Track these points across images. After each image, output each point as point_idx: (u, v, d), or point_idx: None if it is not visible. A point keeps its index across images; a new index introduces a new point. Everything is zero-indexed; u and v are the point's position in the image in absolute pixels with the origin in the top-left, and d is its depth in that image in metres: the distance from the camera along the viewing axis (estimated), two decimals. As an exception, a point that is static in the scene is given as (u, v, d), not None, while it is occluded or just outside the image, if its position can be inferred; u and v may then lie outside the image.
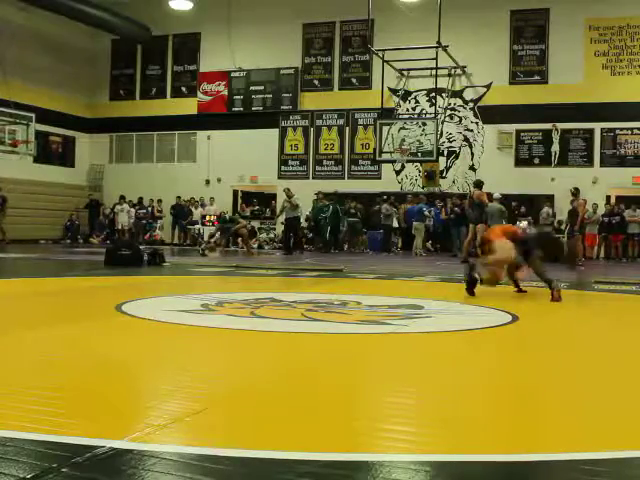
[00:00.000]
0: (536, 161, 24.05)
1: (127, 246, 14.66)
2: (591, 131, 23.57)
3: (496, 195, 20.42)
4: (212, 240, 19.33)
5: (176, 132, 28.31)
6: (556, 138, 23.88)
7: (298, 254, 20.51)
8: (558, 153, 23.80)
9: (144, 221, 26.99)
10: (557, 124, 23.77)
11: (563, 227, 21.48)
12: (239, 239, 19.44)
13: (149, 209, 27.34)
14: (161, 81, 28.83)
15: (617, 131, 23.28)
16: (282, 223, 24.51)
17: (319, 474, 2.43)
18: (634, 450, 2.77)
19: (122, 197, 27.05)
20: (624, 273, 14.89)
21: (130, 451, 2.58)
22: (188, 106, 27.93)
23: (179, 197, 26.75)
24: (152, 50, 28.36)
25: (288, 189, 22.05)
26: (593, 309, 8.93)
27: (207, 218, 25.49)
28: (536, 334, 6.28)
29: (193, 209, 26.55)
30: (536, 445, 2.83)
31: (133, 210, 26.90)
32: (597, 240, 22.60)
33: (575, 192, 19.48)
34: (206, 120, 27.52)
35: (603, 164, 23.29)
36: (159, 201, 27.31)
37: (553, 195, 23.29)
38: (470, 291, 9.04)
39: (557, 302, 8.56)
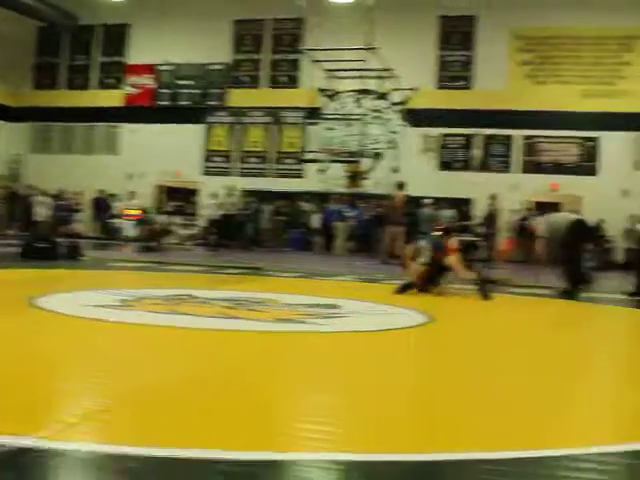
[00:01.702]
0: (458, 165, 24.44)
1: (45, 239, 14.38)
2: (512, 138, 24.07)
3: (427, 201, 20.80)
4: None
5: (100, 124, 27.82)
6: (479, 143, 24.33)
7: (222, 250, 20.39)
8: (480, 158, 24.25)
9: (64, 213, 26.46)
10: (480, 130, 24.21)
11: (480, 231, 21.97)
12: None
13: (69, 201, 26.81)
14: (87, 71, 28.29)
15: (537, 139, 23.84)
16: (207, 218, 24.36)
17: (234, 472, 2.45)
18: (535, 449, 2.87)
19: (41, 189, 26.51)
20: (537, 277, 15.24)
21: (39, 449, 2.54)
22: (114, 98, 27.49)
23: (101, 190, 26.29)
24: (79, 39, 27.80)
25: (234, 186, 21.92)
26: (506, 311, 9.15)
27: (128, 212, 25.12)
28: (449, 335, 6.41)
29: (114, 203, 26.15)
30: (444, 445, 2.90)
31: (50, 201, 26.38)
32: (513, 244, 23.09)
33: (494, 197, 19.98)
34: (131, 113, 27.12)
35: (522, 170, 23.81)
36: (80, 193, 26.81)
37: (474, 199, 23.71)
38: (401, 291, 9.69)
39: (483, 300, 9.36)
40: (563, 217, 11.90)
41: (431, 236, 10.34)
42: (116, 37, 27.82)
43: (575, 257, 10.86)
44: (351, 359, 4.94)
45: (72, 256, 13.56)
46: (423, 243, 10.09)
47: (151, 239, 19.16)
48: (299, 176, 25.67)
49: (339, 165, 24.77)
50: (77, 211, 26.45)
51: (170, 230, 20.92)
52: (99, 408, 3.12)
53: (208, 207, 23.60)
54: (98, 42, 28.09)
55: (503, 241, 22.26)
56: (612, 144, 23.10)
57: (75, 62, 28.36)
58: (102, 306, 6.75)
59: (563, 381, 4.52)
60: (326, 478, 2.51)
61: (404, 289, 9.73)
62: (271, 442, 2.85)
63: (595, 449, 2.91)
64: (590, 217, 22.35)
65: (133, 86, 27.30)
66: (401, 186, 18.14)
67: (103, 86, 27.99)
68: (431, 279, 9.89)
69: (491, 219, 19.92)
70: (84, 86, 28.22)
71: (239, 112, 26.44)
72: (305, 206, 23.47)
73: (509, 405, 3.67)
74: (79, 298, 7.58)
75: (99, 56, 28.14)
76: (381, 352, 5.34)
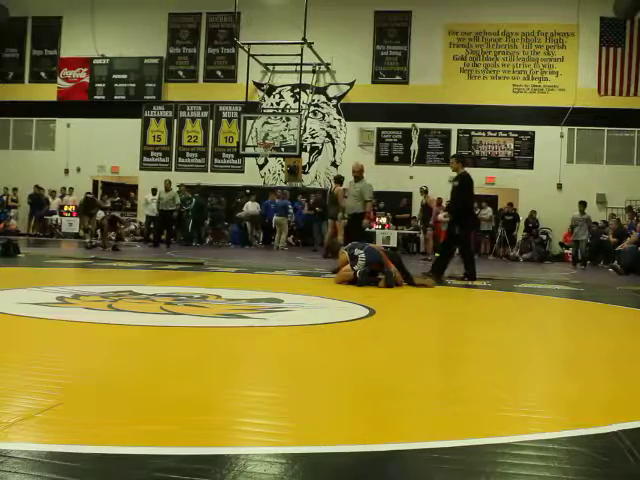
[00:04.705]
0: (396, 159, 24.67)
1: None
2: (448, 132, 24.40)
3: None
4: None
5: (34, 119, 27.35)
6: (415, 137, 24.58)
7: (163, 246, 20.22)
8: (417, 152, 24.50)
9: (-1, 210, 25.99)
10: (416, 124, 24.46)
11: (418, 224, 22.30)
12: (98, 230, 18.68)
13: (3, 198, 26.30)
14: (19, 65, 27.74)
15: (472, 133, 24.19)
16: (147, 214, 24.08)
17: (174, 469, 2.43)
18: (477, 438, 2.91)
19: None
20: (477, 269, 15.46)
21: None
22: (47, 92, 27.04)
23: (38, 187, 25.78)
24: (10, 32, 27.18)
25: (169, 181, 21.57)
26: (446, 304, 9.27)
27: (65, 208, 24.75)
28: (388, 328, 6.47)
29: (50, 199, 25.72)
30: (389, 435, 2.93)
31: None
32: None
33: (425, 190, 20.28)
34: (66, 107, 26.73)
35: (459, 164, 24.12)
36: (15, 189, 26.32)
37: (412, 192, 23.95)
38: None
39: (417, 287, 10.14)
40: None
41: (369, 248, 10.40)
42: (48, 30, 27.32)
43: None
44: (297, 352, 4.95)
45: (8, 253, 13.33)
46: (360, 253, 10.13)
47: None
48: (238, 171, 25.61)
49: (278, 160, 24.85)
50: (12, 207, 25.97)
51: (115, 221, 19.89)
52: (40, 407, 3.07)
53: (147, 202, 23.36)
54: (30, 35, 27.55)
55: (439, 234, 22.55)
56: (546, 138, 23.60)
57: (6, 55, 27.77)
58: (39, 304, 6.63)
59: (499, 370, 4.60)
60: (272, 471, 2.52)
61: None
62: (209, 437, 2.84)
63: (535, 437, 2.97)
64: (525, 209, 23.06)
65: (67, 80, 26.84)
66: (339, 180, 18.21)
67: (36, 80, 27.46)
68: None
69: (426, 212, 20.18)
70: (16, 80, 27.64)
71: (176, 106, 26.25)
72: (245, 201, 23.48)
73: (449, 394, 3.73)
74: (15, 296, 7.43)
75: (31, 49, 27.62)
76: (327, 345, 5.37)
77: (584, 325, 7.58)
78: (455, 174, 12.24)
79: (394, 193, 23.81)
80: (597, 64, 23.57)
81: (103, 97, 26.74)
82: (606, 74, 23.57)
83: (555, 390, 4.10)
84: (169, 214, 21.14)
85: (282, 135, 22.58)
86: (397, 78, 24.84)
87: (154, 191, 22.52)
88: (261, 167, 25.44)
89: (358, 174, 12.82)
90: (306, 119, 24.28)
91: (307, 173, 25.13)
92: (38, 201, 25.73)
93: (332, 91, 25.29)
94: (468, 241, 12.45)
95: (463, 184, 11.88)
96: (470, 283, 11.60)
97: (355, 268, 10.00)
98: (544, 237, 23.02)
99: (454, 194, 12.12)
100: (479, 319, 7.48)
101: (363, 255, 10.02)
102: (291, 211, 22.90)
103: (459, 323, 7.08)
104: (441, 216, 11.80)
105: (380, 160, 24.77)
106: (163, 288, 8.61)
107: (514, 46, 24.10)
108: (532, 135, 23.90)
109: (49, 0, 26.58)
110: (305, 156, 24.80)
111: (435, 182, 21.69)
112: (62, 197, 25.61)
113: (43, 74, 27.50)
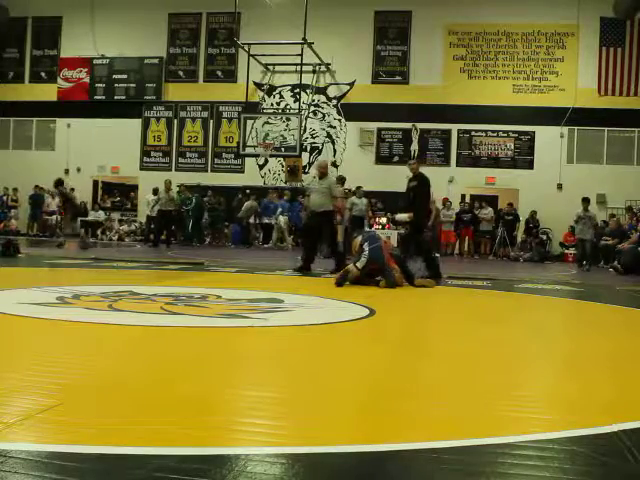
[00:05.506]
0: (396, 159, 24.64)
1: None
2: (448, 132, 24.38)
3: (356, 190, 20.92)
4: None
5: (34, 119, 27.33)
6: (415, 137, 24.57)
7: (163, 246, 20.21)
8: (417, 152, 24.48)
9: (-1, 210, 25.95)
10: (417, 124, 24.44)
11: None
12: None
13: (3, 198, 26.28)
14: (19, 65, 27.72)
15: (472, 133, 24.18)
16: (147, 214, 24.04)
17: (174, 469, 2.43)
18: (477, 438, 2.91)
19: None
20: (477, 269, 15.49)
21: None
22: (47, 92, 27.02)
23: (40, 187, 25.73)
24: (10, 32, 27.14)
25: (169, 181, 21.49)
26: (446, 304, 9.26)
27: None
28: (388, 328, 6.48)
29: (50, 199, 25.68)
30: (389, 435, 2.93)
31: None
32: (455, 237, 23.42)
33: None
34: (66, 107, 26.71)
35: (459, 164, 24.14)
36: (15, 189, 26.30)
37: (412, 193, 23.93)
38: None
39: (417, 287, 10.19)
40: None
41: (375, 247, 10.23)
42: (48, 30, 27.29)
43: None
44: (297, 352, 4.95)
45: (8, 253, 13.32)
46: (365, 251, 10.05)
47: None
48: (238, 171, 25.61)
49: (278, 160, 24.85)
50: (13, 207, 25.94)
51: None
52: (40, 407, 3.07)
53: (147, 203, 23.35)
54: (30, 35, 27.53)
55: (442, 233, 22.57)
56: (546, 138, 23.59)
57: (6, 55, 27.75)
58: (39, 304, 6.62)
59: (499, 370, 4.60)
60: (272, 471, 2.52)
61: (343, 279, 9.96)
62: (210, 437, 2.84)
63: (535, 437, 2.97)
64: (525, 209, 23.06)
65: (67, 80, 26.83)
66: (341, 180, 18.18)
67: (36, 80, 27.44)
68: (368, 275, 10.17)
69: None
70: (16, 80, 27.62)
71: (176, 106, 26.24)
72: (245, 200, 23.46)
73: (449, 394, 3.73)
74: (16, 296, 7.43)
75: (31, 49, 27.59)
76: (327, 345, 5.36)
77: (584, 325, 7.58)
78: (410, 176, 12.31)
79: (394, 193, 23.74)
80: (597, 64, 23.54)
81: (103, 97, 26.73)
82: (606, 74, 23.56)
83: (555, 390, 4.10)
84: (169, 214, 21.12)
85: (282, 135, 22.59)
86: (397, 78, 24.82)
87: (155, 191, 22.49)
88: (261, 167, 25.43)
89: (324, 171, 12.87)
90: (306, 119, 24.28)
91: (307, 173, 25.10)
92: (39, 201, 25.71)
93: (332, 91, 25.28)
94: (428, 242, 12.54)
95: (423, 183, 11.96)
96: (471, 283, 11.57)
97: (358, 265, 9.99)
98: (544, 237, 23.00)
99: (414, 194, 11.97)
100: (479, 319, 7.48)
101: (366, 253, 10.00)
102: (287, 209, 23.09)
103: (459, 323, 7.08)
104: (404, 216, 11.73)
105: (380, 160, 24.76)
106: (163, 288, 8.61)
107: (514, 46, 24.09)
108: (532, 135, 23.89)
109: (49, 0, 26.54)
110: (305, 156, 24.79)
111: (436, 182, 21.55)
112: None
113: (43, 74, 27.48)
